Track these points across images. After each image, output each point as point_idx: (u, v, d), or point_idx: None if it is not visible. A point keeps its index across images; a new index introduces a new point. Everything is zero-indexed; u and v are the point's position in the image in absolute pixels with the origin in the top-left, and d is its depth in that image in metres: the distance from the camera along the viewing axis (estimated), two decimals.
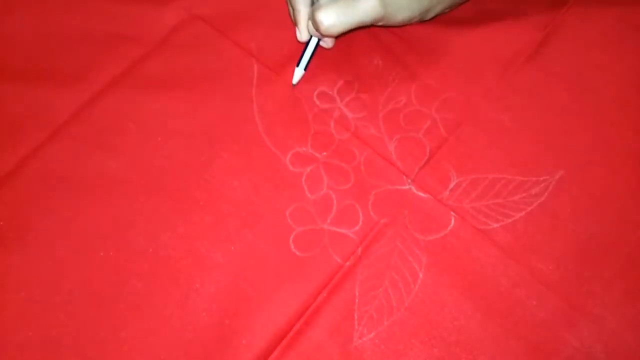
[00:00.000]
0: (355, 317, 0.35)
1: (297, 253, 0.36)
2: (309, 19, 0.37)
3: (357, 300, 0.35)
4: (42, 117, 0.40)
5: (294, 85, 0.40)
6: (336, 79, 0.42)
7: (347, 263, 0.36)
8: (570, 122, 0.40)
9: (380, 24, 0.38)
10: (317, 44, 0.39)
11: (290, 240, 0.37)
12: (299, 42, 0.39)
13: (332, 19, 0.35)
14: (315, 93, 0.41)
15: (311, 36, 0.39)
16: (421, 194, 0.38)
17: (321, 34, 0.37)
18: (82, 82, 0.41)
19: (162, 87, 0.42)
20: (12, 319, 0.34)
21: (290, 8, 0.40)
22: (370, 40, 0.43)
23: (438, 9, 0.40)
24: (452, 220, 0.37)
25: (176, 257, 0.36)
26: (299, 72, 0.40)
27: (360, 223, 0.37)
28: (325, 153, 0.39)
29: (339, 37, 0.40)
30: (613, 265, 0.36)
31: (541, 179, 0.38)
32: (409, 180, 0.39)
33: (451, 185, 0.38)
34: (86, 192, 0.38)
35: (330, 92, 0.41)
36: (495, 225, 0.37)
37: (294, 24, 0.39)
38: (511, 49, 0.43)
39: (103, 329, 0.34)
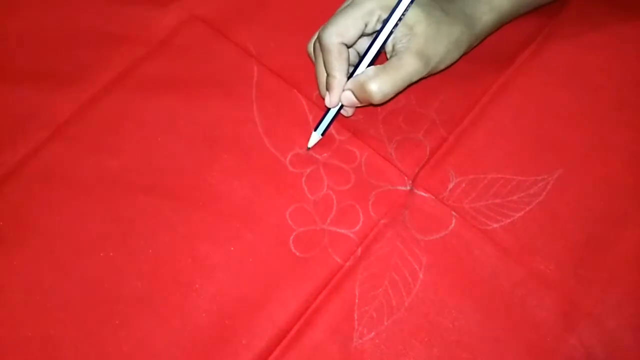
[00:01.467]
0: (355, 317, 0.35)
1: (297, 253, 0.36)
2: (345, 88, 0.37)
3: (357, 300, 0.35)
4: (42, 117, 0.40)
5: (309, 149, 0.39)
6: None
7: (347, 263, 0.36)
8: (569, 121, 0.40)
9: (425, 76, 0.37)
10: (339, 111, 0.39)
11: (290, 241, 0.37)
12: (327, 107, 0.38)
13: (385, 88, 0.35)
14: (315, 94, 0.41)
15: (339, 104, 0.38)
16: (422, 194, 0.38)
17: (372, 104, 0.36)
18: (82, 82, 0.41)
19: (162, 87, 0.42)
20: (12, 319, 0.34)
21: (322, 71, 0.39)
22: None
23: (476, 45, 0.40)
24: (453, 221, 0.37)
25: (176, 257, 0.36)
26: (315, 137, 0.39)
27: (360, 223, 0.37)
28: (325, 154, 0.39)
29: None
30: (613, 265, 0.36)
31: (539, 178, 0.38)
32: (410, 181, 0.39)
33: (451, 185, 0.38)
34: (86, 192, 0.38)
35: None
36: (495, 225, 0.37)
37: (325, 89, 0.38)
38: (510, 49, 0.43)
39: (103, 329, 0.34)
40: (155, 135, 0.40)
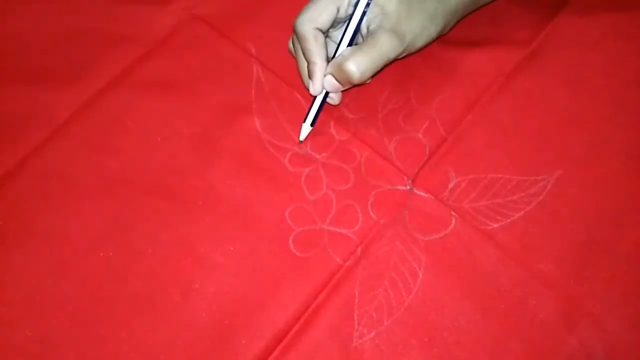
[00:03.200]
0: (355, 317, 0.35)
1: (297, 253, 0.36)
2: (325, 73, 0.37)
3: (357, 300, 0.35)
4: (42, 117, 0.40)
5: (301, 142, 0.39)
6: None
7: (347, 263, 0.36)
8: (569, 121, 0.40)
9: (404, 55, 0.38)
10: (325, 99, 0.39)
11: (290, 241, 0.37)
12: (311, 95, 0.39)
13: (363, 66, 0.35)
14: None
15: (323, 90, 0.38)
16: (422, 194, 0.38)
17: (352, 84, 0.37)
18: (82, 82, 0.41)
19: (162, 87, 0.42)
20: (12, 319, 0.34)
21: (302, 62, 0.39)
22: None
23: (454, 21, 0.40)
24: (453, 221, 0.37)
25: (176, 257, 0.36)
26: (306, 129, 0.39)
27: (360, 223, 0.37)
28: (324, 154, 0.39)
29: (364, 84, 0.39)
30: (613, 265, 0.36)
31: (539, 178, 0.38)
32: (409, 181, 0.39)
33: (450, 185, 0.38)
34: (86, 192, 0.38)
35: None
36: (495, 225, 0.37)
37: (307, 77, 0.38)
38: (510, 49, 0.43)
39: (103, 329, 0.34)
40: (155, 135, 0.40)
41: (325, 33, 0.38)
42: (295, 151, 0.39)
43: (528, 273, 0.36)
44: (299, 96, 0.41)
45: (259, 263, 0.36)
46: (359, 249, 0.36)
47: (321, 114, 0.40)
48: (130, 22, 0.44)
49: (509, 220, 0.37)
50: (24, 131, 0.40)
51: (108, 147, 0.39)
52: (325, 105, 0.39)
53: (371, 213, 0.37)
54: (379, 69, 0.36)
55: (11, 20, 0.44)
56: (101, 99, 0.41)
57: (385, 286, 0.35)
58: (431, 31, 0.38)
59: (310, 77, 0.38)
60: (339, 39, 0.38)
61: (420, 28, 0.37)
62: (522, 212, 0.37)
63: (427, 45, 0.39)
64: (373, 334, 0.34)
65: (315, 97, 0.39)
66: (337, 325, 0.34)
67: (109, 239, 0.36)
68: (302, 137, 0.39)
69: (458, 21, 0.41)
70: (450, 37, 0.42)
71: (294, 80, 0.42)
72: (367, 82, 0.39)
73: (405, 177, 0.39)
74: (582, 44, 0.43)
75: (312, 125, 0.39)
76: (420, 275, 0.36)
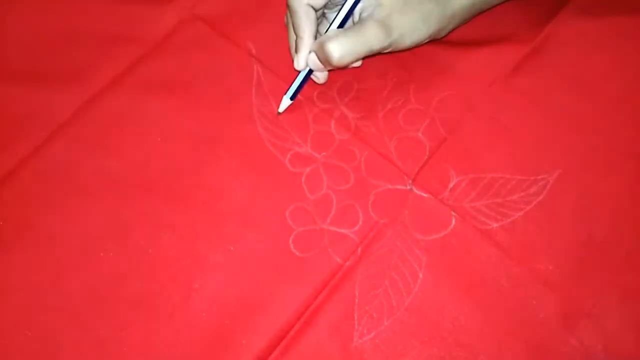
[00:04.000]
0: (355, 317, 0.35)
1: (297, 253, 0.36)
2: (311, 50, 0.37)
3: (357, 300, 0.35)
4: (42, 117, 0.40)
5: (279, 114, 0.40)
6: (336, 78, 0.42)
7: (347, 263, 0.36)
8: (568, 121, 0.40)
9: (389, 50, 0.38)
10: (308, 76, 0.39)
11: (290, 241, 0.37)
12: (295, 70, 0.39)
13: (343, 50, 0.35)
14: (315, 93, 0.41)
15: (307, 67, 0.39)
16: (422, 194, 0.38)
17: (332, 65, 0.37)
18: (82, 82, 0.41)
19: (162, 87, 0.42)
20: (12, 319, 0.34)
21: (292, 36, 0.39)
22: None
23: (450, 27, 0.40)
24: (453, 220, 0.37)
25: (176, 257, 0.36)
26: (285, 102, 0.39)
27: (360, 223, 0.37)
28: (324, 153, 0.39)
29: (344, 68, 0.40)
30: (613, 265, 0.36)
31: (539, 177, 0.38)
32: (409, 180, 0.39)
33: (451, 185, 0.38)
34: (86, 192, 0.38)
35: (330, 92, 0.41)
36: (495, 225, 0.37)
37: (294, 52, 0.39)
38: (510, 48, 0.43)
39: (103, 329, 0.34)
40: (155, 135, 0.40)
41: (318, 11, 0.38)
42: (295, 151, 0.39)
43: (528, 273, 0.36)
44: (299, 96, 0.41)
45: (259, 263, 0.36)
46: (359, 249, 0.36)
47: (321, 113, 0.40)
48: (130, 22, 0.44)
49: (508, 220, 0.37)
50: (24, 131, 0.40)
51: (108, 147, 0.39)
52: (328, 106, 0.40)
53: (371, 213, 0.37)
54: (360, 56, 0.37)
55: (11, 20, 0.44)
56: (101, 99, 0.41)
57: (386, 286, 0.35)
58: (422, 32, 0.37)
59: (296, 51, 0.38)
60: (332, 19, 0.38)
61: (410, 26, 0.37)
62: (522, 212, 0.37)
63: (417, 46, 0.39)
64: (373, 334, 0.34)
65: (299, 72, 0.39)
66: (337, 325, 0.34)
67: (109, 239, 0.36)
68: (281, 109, 0.40)
69: (457, 26, 0.41)
70: (450, 37, 0.42)
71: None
72: (349, 67, 0.39)
73: (406, 177, 0.39)
74: (582, 44, 0.43)
75: (291, 99, 0.40)
76: (421, 275, 0.36)
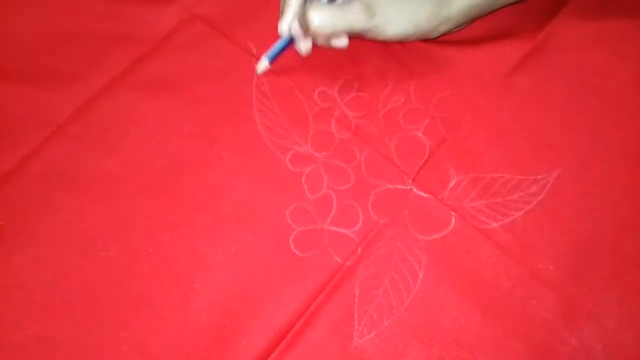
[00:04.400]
0: (355, 317, 0.35)
1: (297, 253, 0.36)
2: (296, 15, 0.38)
3: (357, 300, 0.35)
4: (42, 117, 0.40)
5: (258, 74, 0.41)
6: (336, 78, 0.42)
7: (347, 263, 0.36)
8: (568, 121, 0.40)
9: (371, 35, 0.38)
10: (289, 42, 0.40)
11: (290, 240, 0.37)
12: (278, 35, 0.40)
13: (322, 19, 0.36)
14: (316, 92, 0.41)
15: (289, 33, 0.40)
16: (422, 194, 0.38)
17: (309, 32, 0.37)
18: (82, 82, 0.41)
19: (162, 87, 0.42)
20: (12, 318, 0.34)
21: (282, 1, 0.40)
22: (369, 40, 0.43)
23: (442, 29, 0.40)
24: (453, 220, 0.37)
25: (176, 257, 0.36)
26: (264, 62, 0.40)
27: (360, 223, 0.37)
28: (325, 153, 0.39)
29: (327, 44, 0.40)
30: (613, 265, 0.36)
31: (539, 177, 0.38)
32: (410, 180, 0.39)
33: (451, 185, 0.38)
34: (86, 192, 0.38)
35: (331, 92, 0.41)
36: (495, 224, 0.37)
37: (280, 14, 0.40)
38: (510, 48, 0.43)
39: (103, 328, 0.34)
40: (155, 135, 0.40)
41: None
42: (295, 150, 0.39)
43: (528, 273, 0.36)
44: (299, 95, 0.41)
45: (259, 263, 0.36)
46: (360, 248, 0.36)
47: (321, 112, 0.40)
48: (130, 22, 0.44)
49: (508, 220, 0.37)
50: (24, 131, 0.40)
51: (108, 147, 0.39)
52: (328, 105, 0.40)
53: (371, 213, 0.37)
54: (337, 30, 0.37)
55: (11, 20, 0.44)
56: (101, 99, 0.41)
57: (386, 286, 0.35)
58: (406, 25, 0.37)
59: (280, 14, 0.39)
60: None
61: (395, 16, 0.37)
62: (522, 212, 0.37)
63: (403, 40, 0.39)
64: (373, 334, 0.34)
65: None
66: (337, 325, 0.34)
67: (109, 239, 0.36)
68: (259, 70, 0.41)
69: (453, 29, 0.41)
70: (451, 37, 0.42)
71: (295, 80, 0.42)
72: (332, 45, 0.39)
73: (406, 177, 0.39)
74: (582, 44, 0.43)
75: (269, 61, 0.40)
76: (421, 275, 0.36)
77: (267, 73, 0.42)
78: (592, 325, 0.34)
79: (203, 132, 0.40)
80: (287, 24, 0.39)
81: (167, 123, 0.40)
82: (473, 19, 0.41)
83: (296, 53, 0.42)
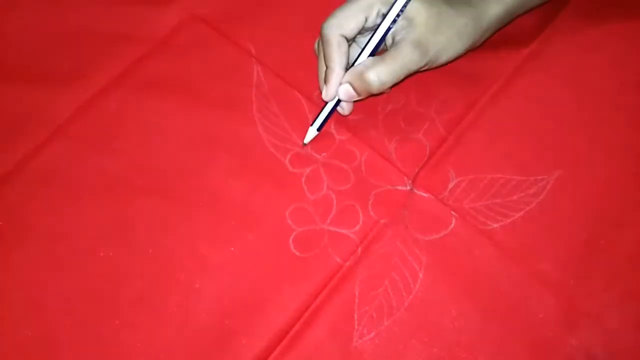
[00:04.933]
0: (355, 317, 0.35)
1: (297, 253, 0.36)
2: (342, 81, 0.37)
3: (357, 300, 0.35)
4: (42, 117, 0.40)
5: (305, 144, 0.39)
6: None
7: (347, 263, 0.36)
8: (569, 121, 0.40)
9: (426, 68, 0.38)
10: (336, 106, 0.39)
11: (290, 241, 0.37)
12: (323, 101, 0.39)
13: (382, 77, 0.36)
14: (316, 94, 0.41)
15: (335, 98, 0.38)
16: (422, 194, 0.38)
17: (371, 93, 0.37)
18: (82, 82, 0.41)
19: (162, 87, 0.42)
20: (12, 318, 0.34)
21: (322, 65, 0.39)
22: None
23: (487, 36, 0.40)
24: (453, 221, 0.37)
25: (176, 257, 0.36)
26: (312, 133, 0.39)
27: (360, 223, 0.37)
28: (324, 154, 0.39)
29: (381, 94, 0.39)
30: (613, 265, 0.36)
31: (539, 178, 0.38)
32: (409, 181, 0.39)
33: (451, 185, 0.38)
34: (86, 192, 0.38)
35: None
36: (495, 225, 0.37)
37: (323, 82, 0.38)
38: (510, 49, 0.43)
39: (103, 329, 0.34)
40: (156, 135, 0.40)
41: (350, 41, 0.38)
42: (295, 151, 0.39)
43: (528, 273, 0.36)
44: (299, 96, 0.41)
45: (259, 263, 0.36)
46: (359, 249, 0.36)
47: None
48: (130, 22, 0.44)
49: (508, 221, 0.37)
50: (24, 131, 0.40)
51: (108, 147, 0.39)
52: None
53: (371, 213, 0.37)
54: (399, 80, 0.37)
55: (11, 20, 0.44)
56: (101, 99, 0.41)
57: (386, 286, 0.35)
58: (457, 47, 0.38)
59: (325, 82, 0.38)
60: (363, 46, 0.38)
61: (446, 43, 0.37)
62: (522, 212, 0.37)
63: (453, 61, 0.38)
64: (373, 334, 0.34)
65: (326, 103, 0.39)
66: (337, 325, 0.34)
67: (109, 239, 0.36)
68: (307, 140, 0.39)
69: (491, 36, 0.41)
70: None
71: (295, 80, 0.42)
72: (386, 92, 0.39)
73: (406, 177, 0.39)
74: (582, 45, 0.43)
75: (318, 130, 0.39)
76: (421, 275, 0.36)
77: (267, 73, 0.42)
78: (592, 325, 0.34)
79: (203, 132, 0.40)
80: (334, 90, 0.37)
81: (167, 123, 0.40)
82: (510, 21, 0.41)
83: (295, 53, 0.42)
